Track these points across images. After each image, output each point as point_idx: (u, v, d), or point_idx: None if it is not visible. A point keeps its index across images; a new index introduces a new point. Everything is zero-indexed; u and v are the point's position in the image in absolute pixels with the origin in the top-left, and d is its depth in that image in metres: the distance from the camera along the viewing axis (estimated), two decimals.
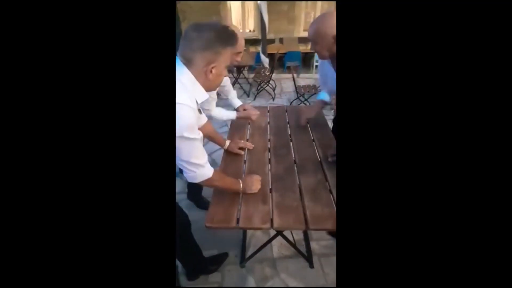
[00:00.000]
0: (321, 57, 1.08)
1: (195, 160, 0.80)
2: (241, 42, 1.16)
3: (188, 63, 0.74)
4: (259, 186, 0.99)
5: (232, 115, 1.37)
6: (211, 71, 0.75)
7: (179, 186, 1.87)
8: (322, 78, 1.31)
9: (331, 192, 0.99)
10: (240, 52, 1.19)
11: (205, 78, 0.77)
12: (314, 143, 1.31)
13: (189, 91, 0.73)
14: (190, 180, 0.84)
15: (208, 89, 0.81)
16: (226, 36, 0.75)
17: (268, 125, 1.48)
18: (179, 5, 5.23)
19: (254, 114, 1.40)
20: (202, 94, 0.79)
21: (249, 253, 1.41)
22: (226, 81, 1.54)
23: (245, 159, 1.20)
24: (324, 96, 1.38)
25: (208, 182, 0.87)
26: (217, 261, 1.38)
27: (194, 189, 1.68)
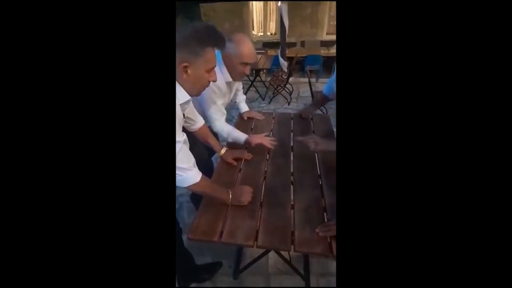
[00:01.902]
0: None
1: (180, 164, 0.77)
2: (250, 53, 1.08)
3: None
4: (249, 199, 0.94)
5: (242, 137, 1.22)
6: (186, 72, 0.71)
7: (181, 188, 1.86)
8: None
9: (325, 210, 0.91)
10: (248, 64, 1.10)
11: (180, 79, 0.72)
12: (316, 155, 1.23)
13: None
14: (178, 185, 0.81)
15: (189, 91, 0.77)
16: (207, 35, 0.70)
17: (271, 133, 1.43)
18: (203, 9, 5.35)
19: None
20: (182, 95, 0.75)
21: (243, 264, 1.36)
22: (239, 85, 1.48)
23: (241, 167, 1.16)
24: (328, 89, 1.28)
25: (195, 187, 0.83)
26: (211, 270, 1.34)
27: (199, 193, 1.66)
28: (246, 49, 1.06)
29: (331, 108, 2.94)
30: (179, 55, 0.69)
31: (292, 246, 0.80)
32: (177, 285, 1.25)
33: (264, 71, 4.22)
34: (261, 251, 1.36)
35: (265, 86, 3.98)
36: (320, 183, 1.05)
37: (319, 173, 1.11)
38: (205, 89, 0.82)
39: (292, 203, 0.95)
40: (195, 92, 0.80)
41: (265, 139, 1.20)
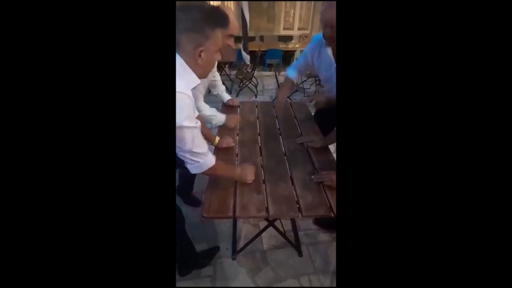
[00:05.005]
0: (330, 43, 1.08)
1: (198, 150, 0.78)
2: (235, 25, 1.08)
3: (176, 48, 0.70)
4: (253, 177, 1.02)
5: (221, 118, 1.33)
6: (200, 55, 0.72)
7: None
8: (306, 60, 1.29)
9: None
10: (233, 36, 1.09)
11: (195, 63, 0.73)
12: (301, 136, 1.36)
13: (183, 78, 0.70)
14: (194, 171, 0.83)
15: (199, 75, 0.78)
16: (215, 16, 0.72)
17: (257, 120, 1.51)
18: None
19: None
20: (193, 80, 0.76)
21: (239, 246, 1.44)
22: (217, 75, 1.54)
23: (237, 152, 1.22)
24: (291, 73, 1.39)
25: (210, 171, 0.86)
26: (209, 255, 1.38)
27: (186, 186, 1.65)
28: (233, 22, 1.03)
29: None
30: (192, 40, 0.69)
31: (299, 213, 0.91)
32: (179, 273, 1.27)
33: (227, 64, 4.24)
34: (255, 231, 1.46)
35: (230, 79, 4.01)
36: (311, 158, 1.18)
37: (307, 149, 1.25)
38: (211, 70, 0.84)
39: (290, 177, 1.07)
40: (204, 75, 0.81)
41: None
